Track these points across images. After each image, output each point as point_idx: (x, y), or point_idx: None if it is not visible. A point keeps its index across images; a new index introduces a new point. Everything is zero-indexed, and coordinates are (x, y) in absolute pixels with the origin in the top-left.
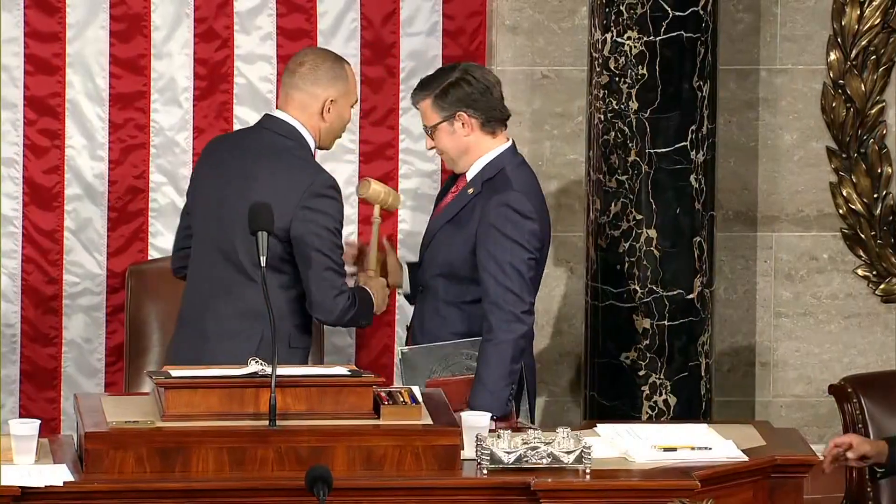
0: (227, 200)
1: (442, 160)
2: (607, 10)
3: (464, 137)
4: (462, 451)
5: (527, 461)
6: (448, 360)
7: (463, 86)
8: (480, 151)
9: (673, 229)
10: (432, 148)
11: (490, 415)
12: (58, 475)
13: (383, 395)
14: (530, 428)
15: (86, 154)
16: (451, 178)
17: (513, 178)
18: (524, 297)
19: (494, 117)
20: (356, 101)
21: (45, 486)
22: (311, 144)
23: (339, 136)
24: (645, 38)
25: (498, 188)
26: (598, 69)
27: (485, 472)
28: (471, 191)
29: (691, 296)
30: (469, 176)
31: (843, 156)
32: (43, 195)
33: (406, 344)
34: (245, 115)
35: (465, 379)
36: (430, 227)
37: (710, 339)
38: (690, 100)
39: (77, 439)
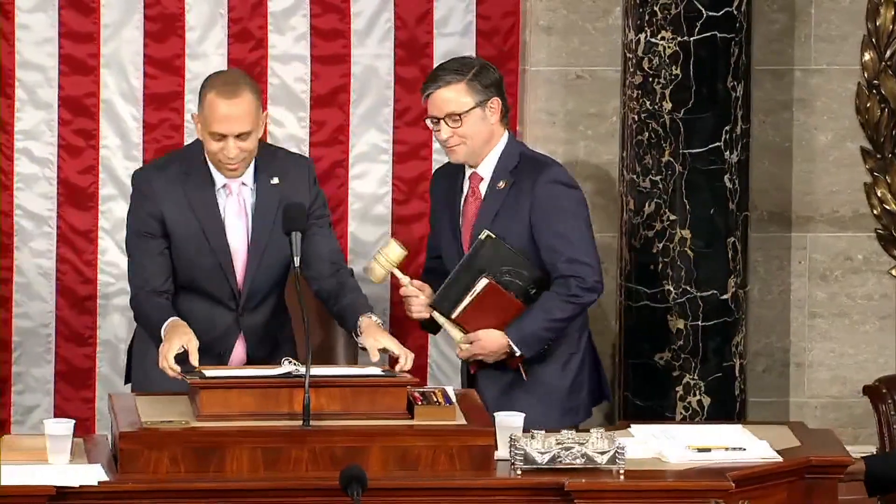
0: None
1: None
2: (641, 10)
3: (490, 125)
4: (496, 452)
5: (560, 461)
6: (509, 274)
7: (492, 71)
8: (494, 142)
9: (707, 230)
10: (449, 138)
11: (524, 415)
12: (92, 475)
13: (417, 395)
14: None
15: (120, 154)
16: (442, 180)
17: (540, 157)
18: (595, 266)
19: (509, 108)
20: (216, 135)
21: (80, 486)
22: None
23: (219, 166)
24: (679, 39)
25: (534, 170)
26: (631, 69)
27: (518, 472)
28: (502, 184)
29: (725, 296)
30: (484, 172)
31: (878, 156)
32: (78, 195)
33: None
34: (279, 116)
35: (516, 304)
36: (472, 232)
37: (744, 340)
38: (725, 100)
39: (112, 439)
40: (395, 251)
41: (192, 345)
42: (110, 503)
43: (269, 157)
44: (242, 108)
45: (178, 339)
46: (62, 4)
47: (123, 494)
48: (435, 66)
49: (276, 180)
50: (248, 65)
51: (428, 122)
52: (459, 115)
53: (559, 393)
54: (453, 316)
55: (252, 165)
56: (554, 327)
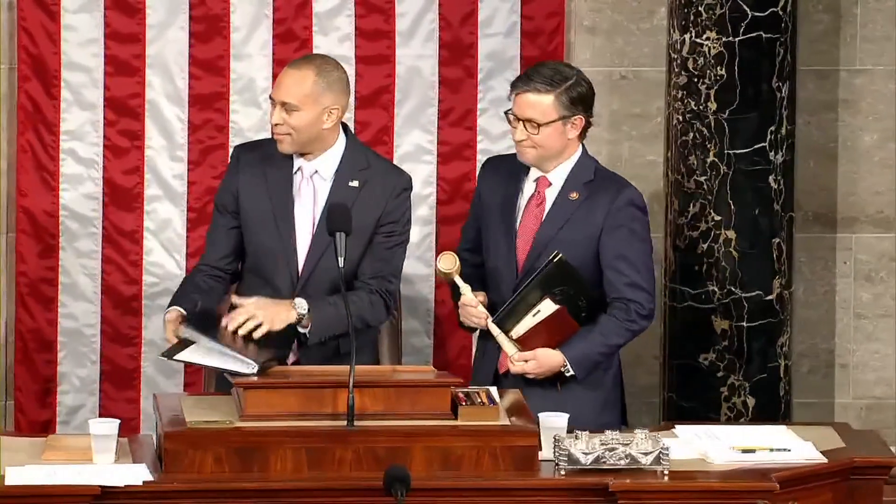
0: None
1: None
2: (686, 10)
3: (567, 139)
4: (540, 452)
5: (605, 462)
6: (573, 297)
7: (584, 87)
8: (567, 154)
9: (752, 230)
10: (523, 140)
11: (567, 416)
12: (137, 474)
13: (461, 395)
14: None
15: (165, 155)
16: (498, 172)
17: (616, 176)
18: (652, 294)
19: (591, 124)
20: (271, 100)
21: (125, 486)
22: None
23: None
24: (724, 39)
25: (612, 188)
26: (676, 70)
27: (562, 472)
28: (574, 195)
29: (770, 297)
30: (555, 179)
31: None
32: (123, 196)
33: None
34: None
35: (574, 326)
36: (535, 237)
37: (788, 341)
38: (769, 101)
39: (156, 439)
40: (446, 262)
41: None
42: (155, 503)
43: (359, 160)
44: (294, 79)
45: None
46: (108, 5)
47: (168, 494)
48: (479, 66)
49: (355, 183)
50: None
51: (508, 115)
52: (539, 124)
53: (590, 406)
54: (515, 336)
55: (337, 161)
56: (608, 352)
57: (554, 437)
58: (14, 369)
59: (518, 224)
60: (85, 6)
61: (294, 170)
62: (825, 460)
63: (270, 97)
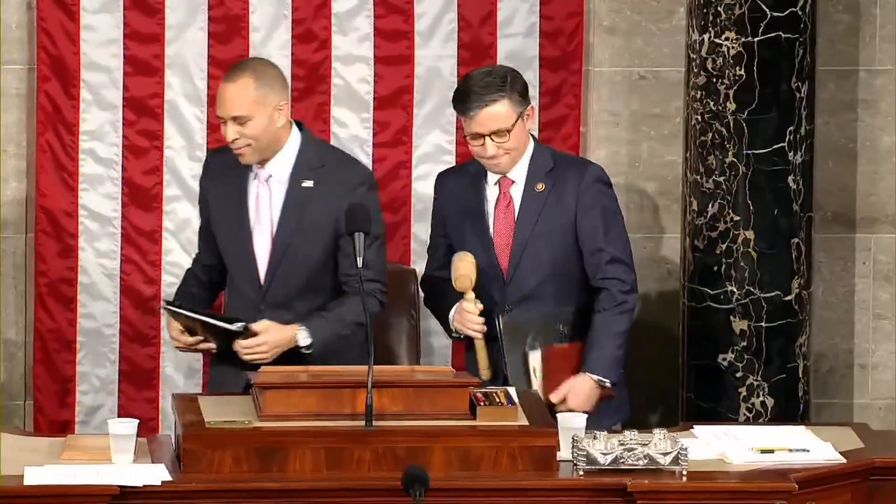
0: None
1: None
2: (705, 10)
3: (527, 132)
4: (558, 452)
5: (623, 462)
6: (543, 331)
7: (520, 76)
8: (528, 144)
9: (771, 230)
10: (495, 154)
11: (586, 416)
12: (156, 474)
13: (479, 395)
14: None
15: (184, 155)
16: (455, 185)
17: (574, 157)
18: (632, 265)
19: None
20: (219, 118)
21: (144, 486)
22: None
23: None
24: (743, 39)
25: (575, 170)
26: (695, 70)
27: (581, 473)
28: (540, 187)
29: (789, 297)
30: (516, 176)
31: None
32: (142, 196)
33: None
34: (343, 116)
35: (574, 346)
36: (513, 238)
37: (807, 341)
38: (788, 101)
39: (175, 439)
40: (462, 283)
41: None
42: (173, 503)
43: (312, 159)
44: (236, 91)
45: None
46: (127, 5)
47: (186, 494)
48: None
49: (309, 183)
50: (311, 66)
51: (469, 138)
52: (507, 130)
53: (605, 405)
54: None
55: (291, 162)
56: (623, 342)
57: (572, 438)
58: (33, 369)
59: (492, 230)
60: (104, 6)
61: (251, 175)
62: (844, 461)
63: (218, 116)
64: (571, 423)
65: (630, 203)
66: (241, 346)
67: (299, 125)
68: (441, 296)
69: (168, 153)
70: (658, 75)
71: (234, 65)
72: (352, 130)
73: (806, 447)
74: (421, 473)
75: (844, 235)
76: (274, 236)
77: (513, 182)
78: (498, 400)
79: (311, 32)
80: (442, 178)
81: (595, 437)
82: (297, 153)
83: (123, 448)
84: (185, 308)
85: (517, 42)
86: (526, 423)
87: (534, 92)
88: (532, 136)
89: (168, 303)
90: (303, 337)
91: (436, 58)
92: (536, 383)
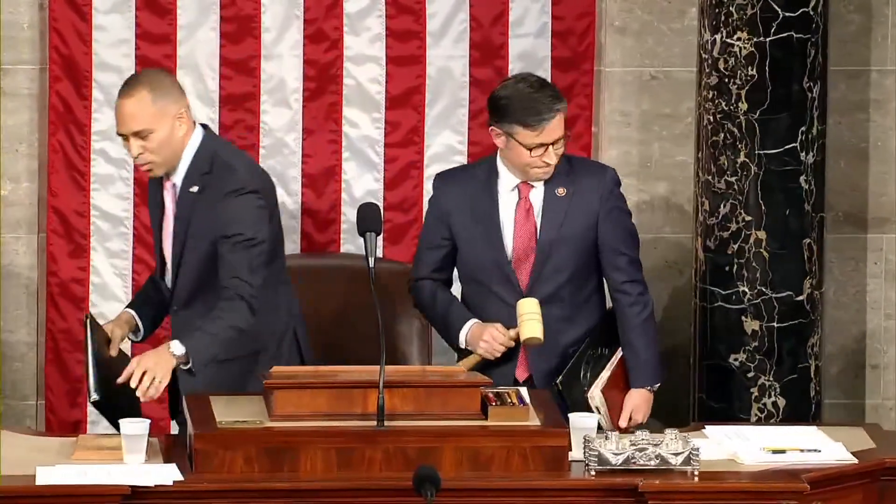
0: None
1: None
2: (717, 10)
3: None
4: (570, 453)
5: (634, 462)
6: (590, 362)
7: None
8: None
9: (782, 231)
10: (553, 163)
11: (598, 416)
12: (167, 474)
13: (491, 395)
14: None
15: None
16: (460, 188)
17: (588, 160)
18: (642, 265)
19: None
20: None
21: (155, 486)
22: None
23: None
24: (755, 39)
25: (594, 174)
26: (707, 70)
27: (592, 473)
28: (561, 191)
29: (801, 297)
30: (535, 181)
31: None
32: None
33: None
34: (354, 117)
35: (619, 365)
36: (539, 242)
37: (819, 341)
38: (800, 101)
39: (187, 439)
40: (535, 302)
41: (114, 335)
42: (185, 503)
43: (203, 164)
44: (133, 106)
45: (111, 324)
46: (138, 6)
47: (198, 494)
48: (509, 67)
49: (195, 189)
50: (323, 66)
51: (529, 150)
52: (565, 135)
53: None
54: (599, 388)
55: (186, 168)
56: (657, 342)
57: (584, 438)
58: (45, 369)
59: (510, 236)
60: (116, 7)
61: (163, 184)
62: (856, 461)
63: (119, 134)
64: (583, 423)
65: (641, 203)
66: (131, 380)
67: (204, 127)
68: (448, 306)
69: None
70: (669, 75)
71: (128, 79)
72: (363, 130)
73: (817, 447)
74: (432, 473)
75: (856, 235)
76: (172, 242)
77: (532, 187)
78: (509, 400)
79: (323, 32)
80: (445, 179)
81: (606, 438)
82: (192, 158)
83: (135, 448)
84: (88, 337)
85: (528, 42)
86: (537, 423)
87: None
88: None
89: (88, 317)
90: (175, 346)
91: (447, 58)
92: (604, 421)
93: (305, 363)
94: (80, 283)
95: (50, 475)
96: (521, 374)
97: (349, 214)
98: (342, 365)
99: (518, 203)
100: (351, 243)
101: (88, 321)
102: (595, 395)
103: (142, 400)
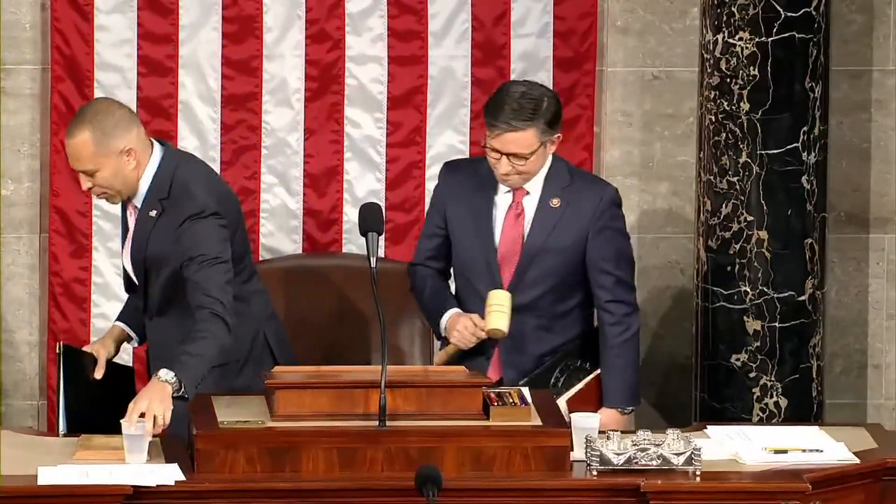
0: None
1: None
2: (719, 10)
3: (548, 155)
4: (571, 453)
5: (636, 462)
6: (565, 372)
7: (555, 104)
8: (542, 167)
9: (784, 231)
10: (510, 171)
11: (599, 416)
12: (169, 474)
13: (493, 395)
14: None
15: (198, 155)
16: (463, 181)
17: (591, 176)
18: (635, 288)
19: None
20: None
21: (157, 486)
22: None
23: None
24: (757, 39)
25: (592, 190)
26: (709, 70)
27: (594, 473)
28: (555, 202)
29: (802, 298)
30: (532, 188)
31: None
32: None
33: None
34: (356, 117)
35: (594, 381)
36: (523, 249)
37: (821, 342)
38: (802, 101)
39: (188, 439)
40: (507, 295)
41: (100, 355)
42: (187, 503)
43: (162, 188)
44: (76, 147)
45: (98, 344)
46: (141, 6)
47: (200, 494)
48: (511, 67)
49: (153, 213)
50: (324, 66)
51: (486, 149)
52: (525, 156)
53: None
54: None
55: (145, 191)
56: (637, 366)
57: (586, 438)
58: (46, 369)
59: (498, 238)
60: (118, 7)
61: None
62: (857, 461)
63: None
64: (585, 423)
65: (643, 203)
66: (132, 423)
67: (163, 144)
68: (435, 293)
69: None
70: (671, 75)
71: (77, 113)
72: (365, 131)
73: (819, 447)
74: (434, 473)
75: (858, 235)
76: (132, 262)
77: (527, 193)
78: (511, 400)
79: (325, 32)
80: (450, 169)
81: (608, 438)
82: (151, 182)
83: (136, 448)
84: (60, 369)
85: (530, 42)
86: (539, 423)
87: None
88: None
89: (61, 347)
90: (164, 373)
91: (449, 58)
92: (575, 389)
93: (279, 363)
94: (81, 282)
95: (51, 475)
96: (492, 374)
97: (351, 214)
98: (344, 365)
99: (510, 206)
100: (353, 243)
101: (62, 352)
102: (560, 404)
103: (151, 434)
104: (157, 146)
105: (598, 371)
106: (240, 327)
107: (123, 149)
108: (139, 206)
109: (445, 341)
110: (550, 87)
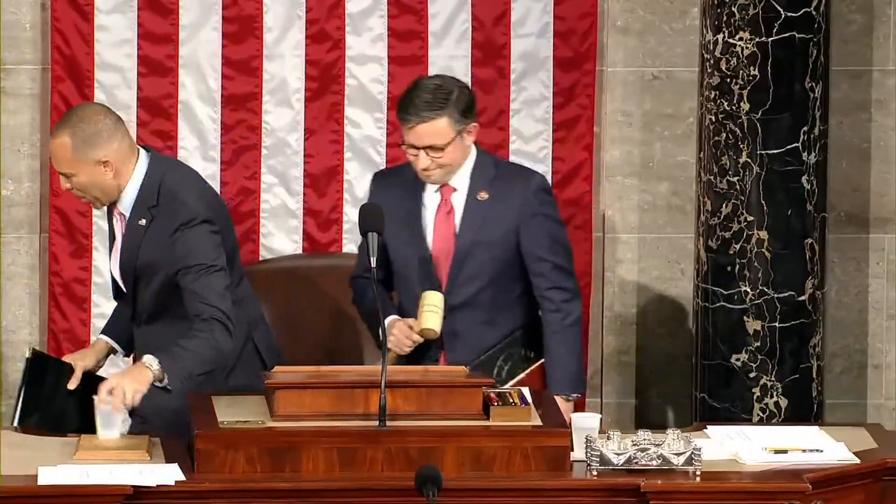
0: None
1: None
2: (719, 10)
3: (467, 147)
4: (571, 453)
5: (636, 462)
6: (509, 360)
7: (467, 94)
8: (467, 156)
9: (784, 231)
10: (429, 165)
11: (600, 416)
12: (169, 474)
13: (493, 395)
14: None
15: (198, 155)
16: (391, 189)
17: (517, 166)
18: (574, 273)
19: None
20: None
21: (157, 486)
22: None
23: None
24: (757, 39)
25: (518, 179)
26: (709, 70)
27: (594, 473)
28: (483, 195)
29: (803, 298)
30: (458, 184)
31: None
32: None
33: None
34: (356, 117)
35: (538, 370)
36: (456, 246)
37: (821, 342)
38: (802, 101)
39: (188, 439)
40: (439, 296)
41: (77, 366)
42: (187, 503)
43: (149, 197)
44: (56, 148)
45: (77, 355)
46: (141, 6)
47: (200, 494)
48: (511, 66)
49: (143, 222)
50: (324, 66)
51: (404, 147)
52: (441, 147)
53: None
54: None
55: (133, 199)
56: (580, 353)
57: (586, 438)
58: None
59: (430, 238)
60: (118, 7)
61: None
62: (857, 461)
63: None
64: (585, 423)
65: (643, 203)
66: (102, 401)
67: (148, 150)
68: (374, 302)
69: (181, 153)
70: (671, 75)
71: (66, 113)
72: (365, 130)
73: (819, 447)
74: (434, 473)
75: (858, 236)
76: (121, 270)
77: (454, 190)
78: (511, 400)
79: (325, 32)
80: (378, 178)
81: (609, 438)
82: (139, 190)
83: (107, 423)
84: (27, 372)
85: (530, 42)
86: (539, 423)
87: (547, 92)
88: (475, 144)
89: (31, 351)
90: (149, 359)
91: (449, 58)
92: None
93: (268, 367)
94: (81, 282)
95: (52, 475)
96: None
97: (351, 214)
98: (343, 364)
99: (439, 205)
100: (353, 243)
101: (30, 356)
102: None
103: (121, 409)
104: (143, 154)
105: (543, 360)
106: None
107: (101, 159)
108: (127, 214)
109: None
110: (550, 87)
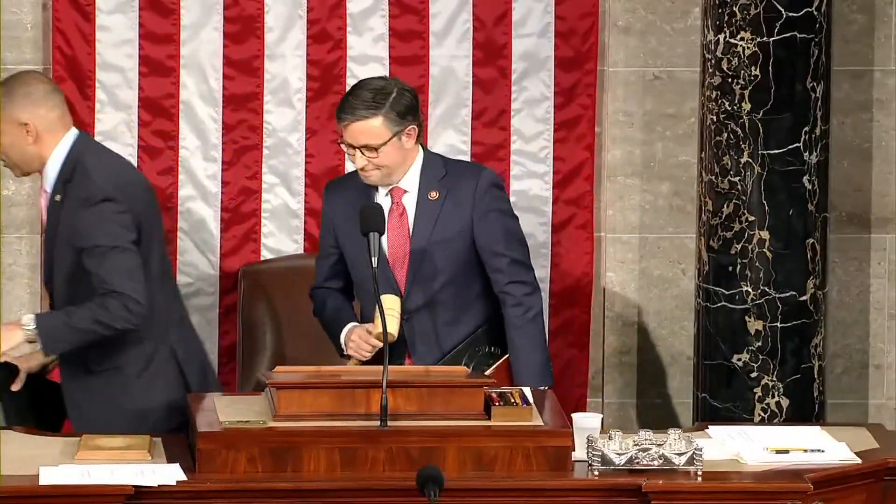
0: None
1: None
2: (720, 10)
3: (406, 150)
4: (573, 453)
5: (638, 462)
6: (474, 358)
7: (408, 96)
8: (412, 159)
9: (786, 231)
10: (365, 165)
11: (601, 416)
12: (171, 474)
13: (494, 395)
14: None
15: (199, 155)
16: (344, 196)
17: (466, 163)
18: (531, 266)
19: (422, 125)
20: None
21: (159, 486)
22: None
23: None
24: (758, 39)
25: (468, 176)
26: (710, 70)
27: (595, 473)
28: (433, 195)
29: (804, 298)
30: (408, 185)
31: None
32: (157, 196)
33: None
34: None
35: (501, 364)
36: (411, 248)
37: (822, 342)
38: (804, 101)
39: (190, 439)
40: (395, 299)
41: (21, 369)
42: (188, 503)
43: (67, 171)
44: None
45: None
46: (142, 6)
47: (201, 494)
48: (513, 66)
49: (58, 197)
50: (326, 66)
51: (343, 146)
52: (375, 147)
53: None
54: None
55: (55, 175)
56: (545, 345)
57: (587, 438)
58: None
59: (385, 241)
60: (119, 7)
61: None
62: (859, 461)
63: None
64: (586, 423)
65: (644, 203)
66: None
67: (82, 133)
68: (335, 312)
69: (183, 153)
70: (672, 75)
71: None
72: None
73: (821, 447)
74: (435, 473)
75: (859, 236)
76: (45, 251)
77: (405, 191)
78: (513, 400)
79: (326, 32)
80: (331, 187)
81: (610, 438)
82: (60, 166)
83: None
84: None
85: (531, 42)
86: (541, 423)
87: (548, 92)
88: (421, 145)
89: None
90: (27, 319)
91: (450, 58)
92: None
93: (186, 376)
94: None
95: (53, 475)
96: None
97: None
98: (343, 365)
99: (391, 208)
100: None
101: None
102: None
103: None
104: (73, 132)
105: (507, 355)
106: (136, 332)
107: (23, 122)
108: (49, 190)
109: (348, 357)
110: (552, 87)
